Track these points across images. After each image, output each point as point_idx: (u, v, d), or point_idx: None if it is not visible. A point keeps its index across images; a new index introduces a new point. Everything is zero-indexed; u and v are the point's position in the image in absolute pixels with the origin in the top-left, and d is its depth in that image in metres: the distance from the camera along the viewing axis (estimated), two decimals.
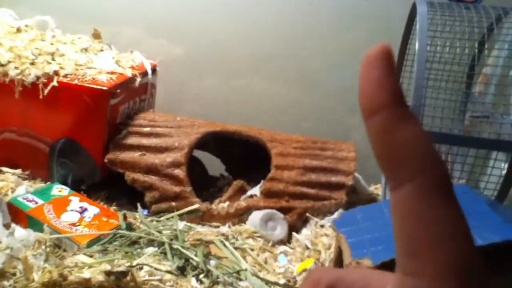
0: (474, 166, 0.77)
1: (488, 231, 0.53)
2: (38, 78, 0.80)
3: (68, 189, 0.79)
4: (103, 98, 0.79)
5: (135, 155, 0.81)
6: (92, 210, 0.75)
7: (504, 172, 0.74)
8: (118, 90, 0.82)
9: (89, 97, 0.79)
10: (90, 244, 0.67)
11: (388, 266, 0.55)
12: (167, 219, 0.76)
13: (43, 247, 0.62)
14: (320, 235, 0.75)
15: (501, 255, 0.51)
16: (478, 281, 0.16)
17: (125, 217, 0.74)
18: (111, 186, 0.84)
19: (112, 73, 0.84)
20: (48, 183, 0.83)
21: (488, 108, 0.85)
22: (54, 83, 0.80)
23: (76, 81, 0.80)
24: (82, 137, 0.81)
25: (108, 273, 0.56)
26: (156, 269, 0.59)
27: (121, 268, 0.57)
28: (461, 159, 0.80)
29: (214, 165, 0.98)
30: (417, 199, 0.16)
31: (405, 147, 0.17)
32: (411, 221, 0.16)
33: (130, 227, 0.73)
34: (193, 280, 0.59)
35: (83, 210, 0.74)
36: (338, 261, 0.64)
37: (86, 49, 0.89)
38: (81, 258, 0.61)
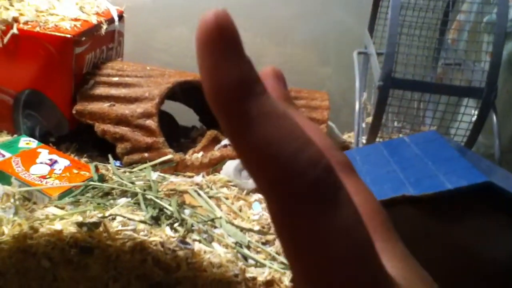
0: (445, 113, 0.78)
1: (456, 176, 0.54)
2: None
3: (36, 141, 0.77)
4: (67, 46, 0.76)
5: (104, 106, 0.78)
6: (62, 162, 0.73)
7: (474, 118, 0.75)
8: (83, 38, 0.78)
9: (52, 46, 0.75)
10: (61, 197, 0.66)
11: None
12: (140, 170, 0.75)
13: (12, 200, 0.61)
14: None
15: (467, 200, 0.52)
16: None
17: (96, 169, 0.72)
18: (80, 138, 0.82)
19: (76, 20, 0.80)
20: (15, 136, 0.80)
21: (460, 55, 0.86)
22: (14, 30, 0.75)
23: (37, 29, 0.76)
24: (48, 88, 0.78)
25: (80, 224, 0.55)
26: (129, 219, 0.58)
27: (94, 219, 0.56)
28: (433, 106, 0.81)
29: (187, 116, 0.97)
30: (283, 220, 0.13)
31: (255, 154, 0.13)
32: (288, 247, 0.13)
33: (102, 179, 0.72)
34: (167, 229, 0.59)
35: (53, 163, 0.72)
36: None
37: None
38: (52, 210, 0.60)
